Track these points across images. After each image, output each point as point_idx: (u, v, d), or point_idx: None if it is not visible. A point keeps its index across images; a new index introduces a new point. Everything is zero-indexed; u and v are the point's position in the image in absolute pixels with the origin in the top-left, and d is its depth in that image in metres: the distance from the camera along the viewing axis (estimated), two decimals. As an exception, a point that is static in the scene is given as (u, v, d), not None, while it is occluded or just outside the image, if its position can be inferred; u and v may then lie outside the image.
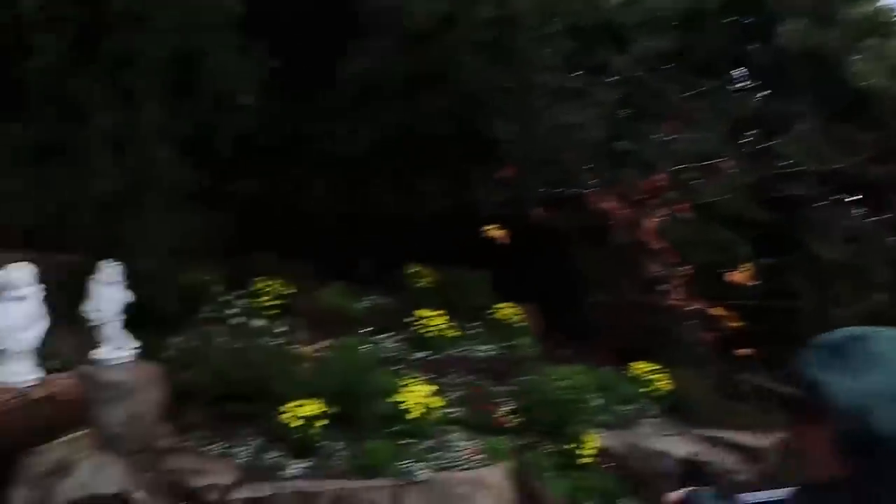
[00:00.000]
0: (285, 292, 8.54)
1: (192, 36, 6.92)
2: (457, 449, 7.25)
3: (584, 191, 9.95)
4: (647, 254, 10.10)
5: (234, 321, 7.74)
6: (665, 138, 10.26)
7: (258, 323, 7.79)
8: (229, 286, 8.28)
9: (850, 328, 1.45)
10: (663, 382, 9.47)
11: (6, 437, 5.54)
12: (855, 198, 11.60)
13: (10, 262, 6.10)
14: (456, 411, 7.86)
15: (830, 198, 11.34)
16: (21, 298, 5.67)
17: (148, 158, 6.73)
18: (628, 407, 9.04)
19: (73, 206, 7.00)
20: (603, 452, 8.03)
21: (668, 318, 10.09)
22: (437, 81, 8.87)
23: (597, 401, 8.48)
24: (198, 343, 7.16)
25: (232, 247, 8.51)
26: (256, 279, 8.53)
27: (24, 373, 5.71)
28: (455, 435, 7.46)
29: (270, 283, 8.54)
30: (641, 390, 9.29)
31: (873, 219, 11.44)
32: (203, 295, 7.95)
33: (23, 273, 5.71)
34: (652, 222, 9.97)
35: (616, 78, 10.62)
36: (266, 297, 8.36)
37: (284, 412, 6.68)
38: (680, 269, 10.07)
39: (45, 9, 6.54)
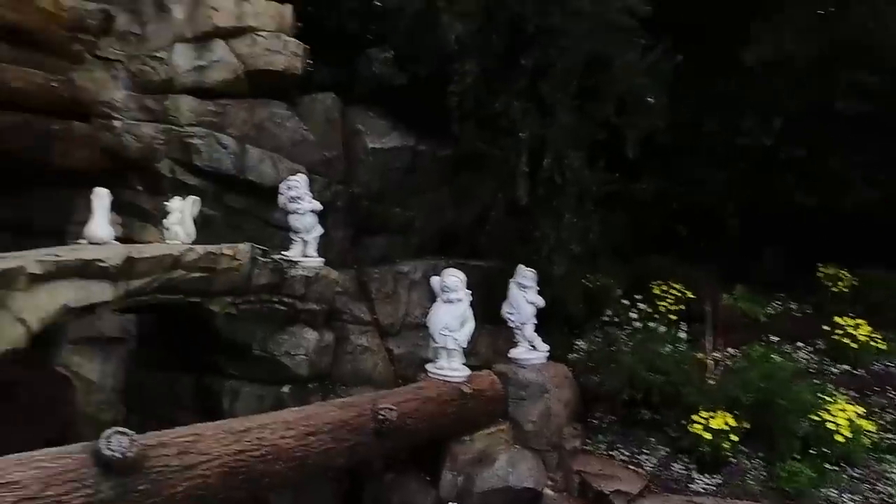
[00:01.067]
0: (685, 296, 8.22)
1: (602, 42, 6.94)
2: (894, 482, 6.30)
3: None
4: None
5: (636, 325, 7.64)
6: None
7: (660, 328, 7.58)
8: (629, 289, 8.21)
9: None
10: None
11: (442, 426, 6.09)
12: None
13: (441, 268, 6.71)
14: (891, 437, 6.85)
15: None
16: (455, 301, 6.17)
17: (560, 164, 6.89)
18: None
19: (488, 214, 7.49)
20: None
21: None
22: (859, 52, 7.77)
23: None
24: (602, 346, 7.19)
25: (630, 249, 8.43)
26: (655, 282, 8.33)
27: (456, 369, 6.23)
28: (891, 465, 6.48)
29: (670, 286, 8.28)
30: None
31: None
32: (605, 298, 7.98)
33: (456, 278, 6.22)
34: None
35: None
36: (666, 301, 8.13)
37: (693, 423, 6.39)
38: None
39: (465, 39, 7.07)
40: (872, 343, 7.77)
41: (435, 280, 6.37)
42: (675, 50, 7.30)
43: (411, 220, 7.96)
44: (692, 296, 8.23)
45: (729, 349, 7.59)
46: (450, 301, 6.18)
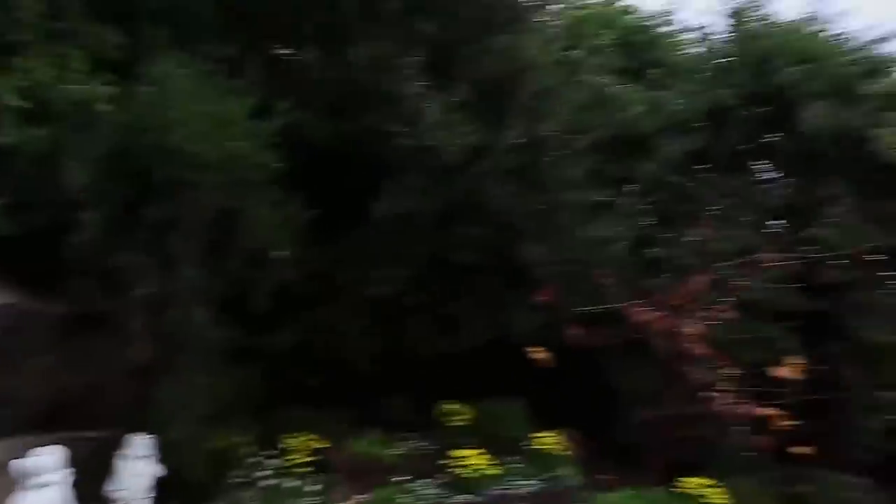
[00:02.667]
0: (319, 446, 8.26)
1: (232, 195, 6.90)
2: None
3: (620, 304, 9.72)
4: (690, 360, 9.80)
5: (266, 483, 7.47)
6: (697, 239, 10.06)
7: (290, 483, 7.51)
8: (262, 445, 8.02)
9: None
10: (717, 497, 8.96)
11: None
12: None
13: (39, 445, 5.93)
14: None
15: (873, 279, 11.06)
16: (47, 485, 5.44)
17: (184, 322, 6.64)
18: (685, 527, 8.58)
19: (105, 378, 6.91)
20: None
21: (717, 425, 9.75)
22: (470, 211, 8.77)
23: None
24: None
25: (265, 403, 8.31)
26: (287, 436, 8.23)
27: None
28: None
29: (302, 438, 8.25)
30: (696, 506, 8.66)
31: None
32: (233, 458, 7.70)
33: (49, 458, 5.49)
34: (692, 327, 9.68)
35: (642, 186, 10.52)
36: (299, 454, 8.07)
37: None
38: (725, 372, 9.77)
39: (88, 187, 6.59)
40: (487, 470, 8.57)
41: (16, 464, 5.45)
42: (309, 205, 7.51)
43: (15, 389, 7.01)
44: (324, 445, 8.30)
45: (360, 495, 7.77)
46: (38, 487, 5.41)
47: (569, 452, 9.39)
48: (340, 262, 8.54)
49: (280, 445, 8.12)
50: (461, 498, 8.29)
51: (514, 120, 8.66)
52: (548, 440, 9.34)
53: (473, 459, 8.53)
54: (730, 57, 11.85)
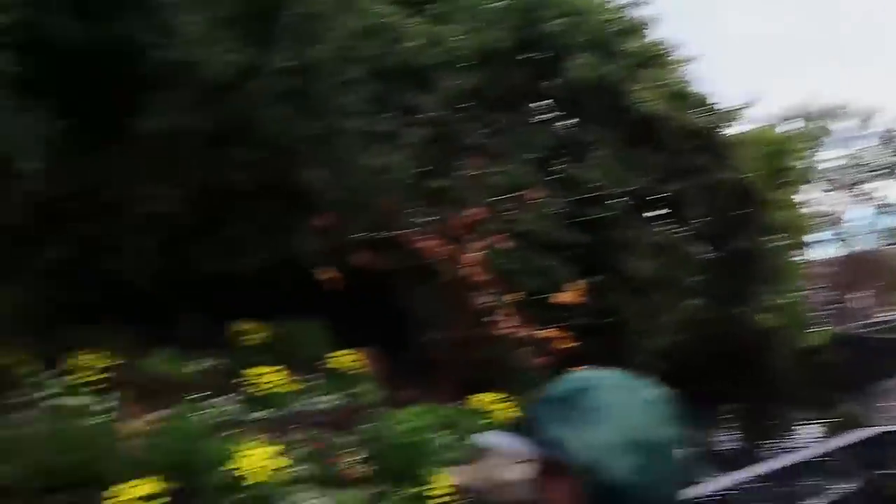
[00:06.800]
0: (109, 364, 7.71)
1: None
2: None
3: (403, 231, 10.06)
4: (472, 287, 10.32)
5: (49, 403, 6.91)
6: (474, 173, 10.64)
7: (75, 401, 7.00)
8: (44, 365, 7.38)
9: (575, 377, 1.41)
10: (504, 411, 9.55)
11: None
12: (656, 214, 12.77)
13: None
14: (302, 468, 7.51)
15: (634, 216, 12.33)
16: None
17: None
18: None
19: None
20: (457, 489, 7.93)
21: (502, 346, 10.38)
22: (242, 133, 8.48)
23: (443, 439, 8.36)
24: (7, 433, 6.34)
25: (45, 321, 7.62)
26: (71, 353, 7.61)
27: None
28: (302, 494, 7.09)
29: (89, 356, 7.67)
30: (484, 422, 9.20)
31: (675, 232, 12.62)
32: (9, 378, 7.02)
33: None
34: (472, 255, 10.24)
35: (423, 117, 10.91)
36: (85, 373, 7.50)
37: (113, 496, 6.05)
38: (507, 297, 10.40)
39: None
40: (285, 387, 8.57)
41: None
42: (62, 115, 6.86)
43: None
44: (117, 363, 7.83)
45: (152, 413, 7.45)
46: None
47: (367, 371, 9.56)
48: (104, 177, 7.85)
49: (64, 364, 7.52)
50: (258, 414, 8.18)
51: (282, 42, 8.58)
52: (346, 359, 9.46)
53: (271, 377, 8.45)
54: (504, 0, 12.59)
